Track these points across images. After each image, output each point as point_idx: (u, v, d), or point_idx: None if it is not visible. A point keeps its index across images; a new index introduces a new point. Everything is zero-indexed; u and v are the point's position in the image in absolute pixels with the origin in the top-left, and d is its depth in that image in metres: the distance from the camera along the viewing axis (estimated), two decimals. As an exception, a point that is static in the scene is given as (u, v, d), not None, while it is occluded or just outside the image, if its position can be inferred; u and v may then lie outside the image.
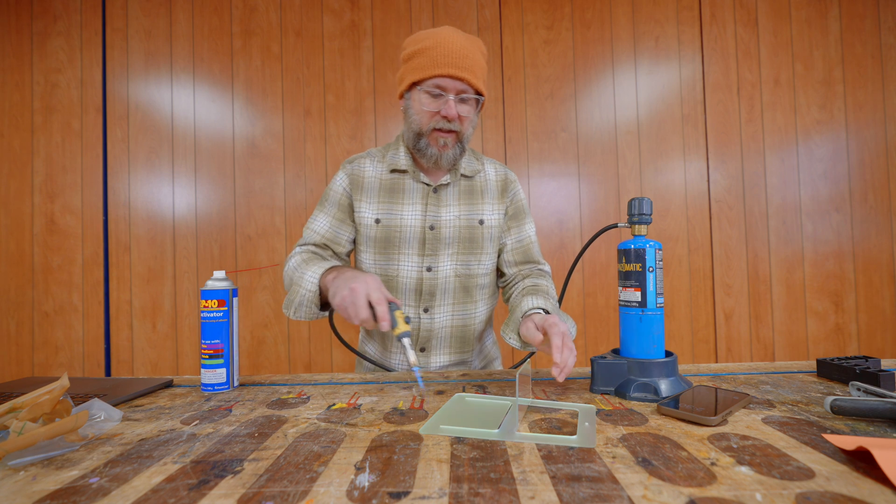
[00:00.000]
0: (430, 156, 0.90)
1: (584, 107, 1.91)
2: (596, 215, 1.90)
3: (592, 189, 1.90)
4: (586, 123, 1.91)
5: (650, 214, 0.75)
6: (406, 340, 0.71)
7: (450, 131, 0.88)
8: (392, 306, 0.72)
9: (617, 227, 0.79)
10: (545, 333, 0.71)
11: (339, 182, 0.97)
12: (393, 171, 0.96)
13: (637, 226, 0.75)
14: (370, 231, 0.94)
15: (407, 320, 0.72)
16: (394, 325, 0.71)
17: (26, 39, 1.86)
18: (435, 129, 0.88)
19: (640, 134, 1.90)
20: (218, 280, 0.77)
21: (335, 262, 0.87)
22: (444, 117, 0.86)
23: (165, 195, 1.86)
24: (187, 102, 1.88)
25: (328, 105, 1.89)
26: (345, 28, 1.90)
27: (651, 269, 0.71)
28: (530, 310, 0.81)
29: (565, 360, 0.65)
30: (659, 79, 1.90)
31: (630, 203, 0.75)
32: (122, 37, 1.87)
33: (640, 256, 0.71)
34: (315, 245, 0.96)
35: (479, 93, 0.88)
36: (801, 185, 1.89)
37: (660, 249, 0.72)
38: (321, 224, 0.96)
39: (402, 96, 0.93)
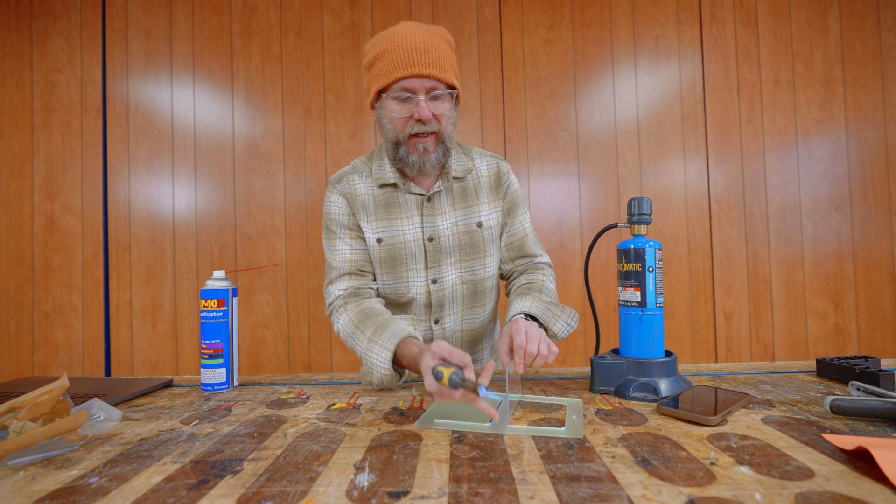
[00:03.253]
0: (412, 164, 0.84)
1: (584, 106, 1.91)
2: (596, 215, 1.90)
3: (592, 189, 1.90)
4: (586, 123, 1.91)
5: (650, 214, 0.75)
6: (482, 391, 0.57)
7: (428, 134, 0.82)
8: (456, 376, 0.58)
9: (617, 226, 0.79)
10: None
11: (336, 204, 0.91)
12: (382, 185, 0.91)
13: (637, 226, 0.75)
14: (374, 252, 0.90)
15: (465, 379, 0.60)
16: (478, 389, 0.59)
17: (26, 39, 1.86)
18: (412, 136, 0.82)
19: (640, 134, 1.90)
20: (218, 280, 0.77)
21: (393, 331, 0.76)
22: (419, 120, 0.80)
23: (165, 195, 1.86)
24: (187, 102, 1.88)
25: (328, 105, 1.89)
26: (345, 28, 1.90)
27: (651, 268, 0.71)
28: (514, 315, 0.81)
29: (521, 365, 0.67)
30: (659, 79, 1.90)
31: (630, 203, 0.75)
32: (122, 37, 1.86)
33: (639, 256, 0.71)
34: (350, 275, 0.90)
35: (450, 86, 0.81)
36: (801, 184, 1.89)
37: (659, 249, 0.72)
38: (344, 252, 0.90)
39: (372, 106, 0.87)
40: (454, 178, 0.92)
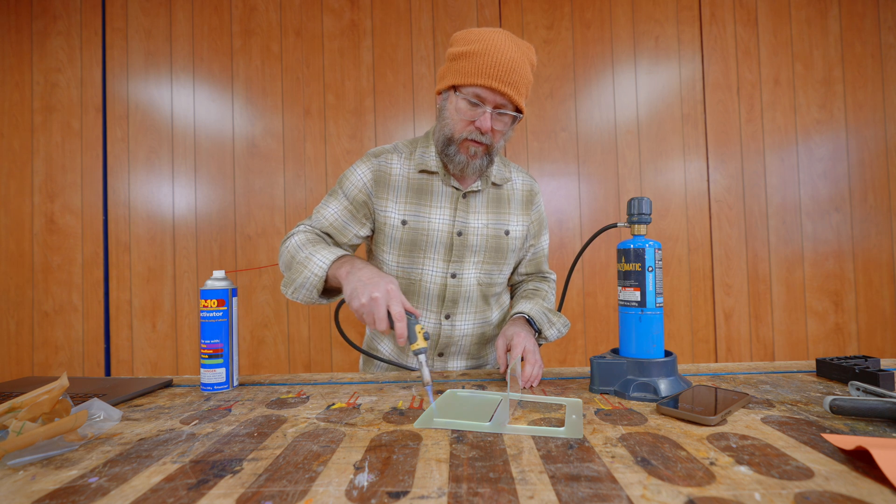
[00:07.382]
0: (458, 163, 0.87)
1: (583, 106, 1.91)
2: (596, 215, 1.90)
3: (592, 189, 1.90)
4: (586, 123, 1.91)
5: (650, 214, 0.75)
6: (422, 357, 0.67)
7: (481, 143, 0.85)
8: (412, 320, 0.69)
9: (616, 226, 0.79)
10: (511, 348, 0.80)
11: (360, 176, 0.92)
12: (422, 171, 0.92)
13: (636, 225, 0.75)
14: (396, 232, 0.91)
15: (426, 336, 0.69)
16: (413, 339, 0.68)
17: (26, 39, 1.86)
18: (467, 139, 0.85)
19: (639, 134, 1.90)
20: (217, 280, 0.77)
21: (344, 251, 0.84)
22: (478, 128, 0.83)
23: (165, 195, 1.86)
24: (187, 102, 1.87)
25: (328, 105, 1.89)
26: (345, 28, 1.90)
27: (650, 268, 0.71)
28: (515, 314, 0.91)
29: (526, 376, 0.76)
30: (659, 78, 1.90)
31: (629, 203, 0.75)
32: (122, 36, 1.86)
33: (639, 256, 0.71)
34: (321, 230, 0.94)
35: (518, 109, 0.84)
36: (800, 184, 1.89)
37: (659, 249, 0.72)
38: (331, 212, 0.93)
39: (439, 92, 0.89)
40: (493, 183, 0.96)
